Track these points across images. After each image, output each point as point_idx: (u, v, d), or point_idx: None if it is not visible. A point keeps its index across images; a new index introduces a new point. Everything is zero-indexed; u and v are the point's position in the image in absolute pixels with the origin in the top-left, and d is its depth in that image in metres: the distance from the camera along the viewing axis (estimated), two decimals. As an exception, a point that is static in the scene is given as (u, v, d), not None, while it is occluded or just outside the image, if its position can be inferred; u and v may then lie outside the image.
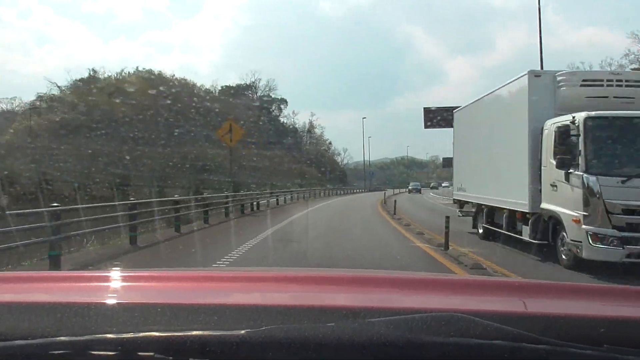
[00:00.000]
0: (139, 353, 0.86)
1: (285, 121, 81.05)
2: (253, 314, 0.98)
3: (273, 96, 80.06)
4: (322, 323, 0.89)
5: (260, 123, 64.63)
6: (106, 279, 1.45)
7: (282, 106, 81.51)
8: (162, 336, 0.87)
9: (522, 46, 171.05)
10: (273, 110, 79.71)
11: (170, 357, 0.85)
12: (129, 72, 56.81)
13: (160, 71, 60.74)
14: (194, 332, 0.87)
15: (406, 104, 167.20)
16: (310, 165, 72.42)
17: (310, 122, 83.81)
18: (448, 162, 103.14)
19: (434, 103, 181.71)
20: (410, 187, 62.90)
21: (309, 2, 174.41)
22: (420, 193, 57.14)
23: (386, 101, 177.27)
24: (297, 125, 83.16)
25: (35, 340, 0.88)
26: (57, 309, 1.00)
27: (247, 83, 78.64)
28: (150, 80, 52.22)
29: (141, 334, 0.88)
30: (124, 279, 1.43)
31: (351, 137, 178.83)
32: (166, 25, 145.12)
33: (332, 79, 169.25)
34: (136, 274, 1.56)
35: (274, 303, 1.14)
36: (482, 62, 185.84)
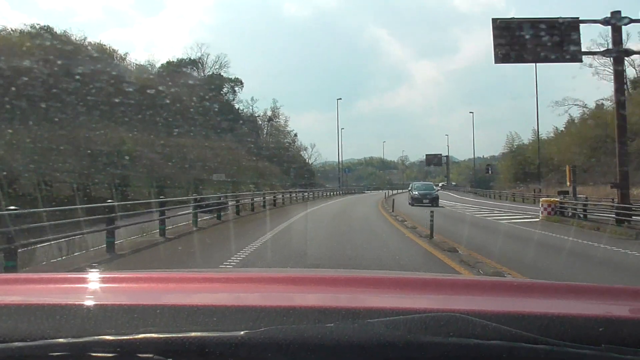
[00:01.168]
0: (138, 354, 0.86)
1: (241, 108, 66.63)
2: (252, 315, 0.98)
3: (225, 75, 65.52)
4: (322, 324, 0.90)
5: (207, 104, 49.98)
6: (105, 280, 1.46)
7: (236, 88, 67.17)
8: (161, 337, 0.88)
9: (486, 50, 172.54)
10: (226, 94, 65.02)
11: (170, 359, 0.85)
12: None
13: (65, 31, 44.10)
14: (193, 334, 0.88)
15: (372, 106, 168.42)
16: (271, 161, 58.32)
17: (273, 109, 69.86)
18: (434, 159, 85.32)
19: (399, 105, 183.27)
20: (415, 193, 30.63)
21: (275, 3, 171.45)
22: (436, 204, 28.56)
23: (352, 103, 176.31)
24: (257, 114, 69.04)
25: (34, 342, 0.88)
26: (56, 310, 0.99)
27: (192, 58, 64.02)
28: (41, 38, 36.51)
29: (140, 336, 0.88)
30: (123, 280, 1.44)
31: (318, 139, 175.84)
32: (129, 22, 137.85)
33: (297, 80, 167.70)
34: (135, 275, 1.55)
35: (273, 304, 1.12)
36: (446, 65, 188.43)
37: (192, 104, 48.25)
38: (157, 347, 0.86)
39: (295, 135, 73.79)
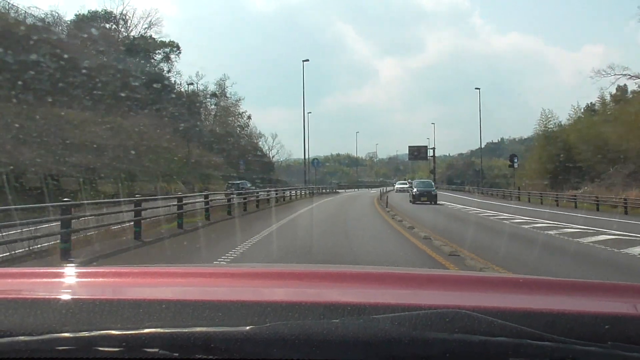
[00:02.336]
0: (144, 349, 0.87)
1: (177, 82, 51.18)
2: (257, 311, 0.98)
3: (156, 38, 49.93)
4: (327, 319, 0.90)
5: (118, 68, 34.63)
6: (111, 274, 1.45)
7: (172, 56, 51.76)
8: (166, 332, 0.88)
9: (450, 49, 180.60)
10: (156, 62, 49.44)
11: (175, 354, 0.86)
12: None
13: None
14: (199, 329, 0.88)
15: (337, 103, 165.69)
16: (217, 151, 43.19)
17: (220, 85, 54.82)
18: (419, 153, 69.18)
19: (364, 103, 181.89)
20: (415, 191, 30.04)
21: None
22: (434, 202, 29.36)
23: (318, 99, 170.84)
24: (203, 91, 53.84)
25: (40, 336, 0.89)
26: (61, 304, 1.00)
27: (109, 11, 48.25)
28: None
29: (146, 330, 0.88)
30: (128, 275, 1.44)
31: (284, 136, 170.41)
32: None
33: (261, 76, 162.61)
34: (140, 270, 1.57)
35: (279, 299, 1.13)
36: (411, 63, 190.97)
37: (98, 68, 32.93)
38: (163, 342, 0.87)
39: (249, 117, 59.73)
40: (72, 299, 1.06)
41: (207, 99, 54.30)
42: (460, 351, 0.84)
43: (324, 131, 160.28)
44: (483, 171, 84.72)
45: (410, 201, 29.47)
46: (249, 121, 59.72)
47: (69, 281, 1.35)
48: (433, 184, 35.01)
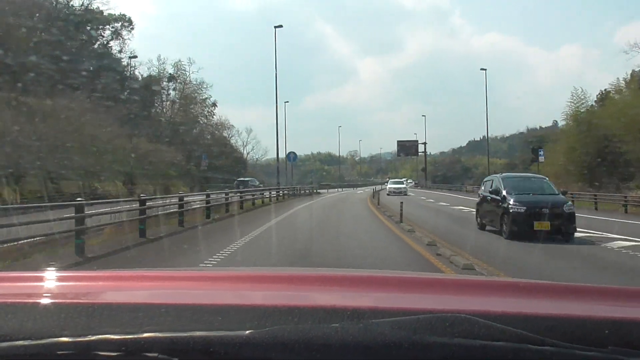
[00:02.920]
0: (143, 353, 0.86)
1: (132, 65, 43.22)
2: (257, 315, 0.98)
3: (104, 12, 41.91)
4: (326, 323, 0.89)
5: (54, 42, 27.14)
6: (110, 278, 1.45)
7: (123, 32, 43.84)
8: (165, 337, 0.88)
9: (430, 48, 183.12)
10: (106, 43, 41.66)
11: (175, 358, 0.85)
12: None
13: None
14: (198, 333, 0.88)
15: (318, 102, 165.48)
16: (178, 145, 35.87)
17: (178, 67, 46.88)
18: (409, 149, 62.14)
19: (345, 102, 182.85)
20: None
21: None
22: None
23: (298, 99, 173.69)
24: (159, 75, 45.75)
25: (39, 340, 0.88)
26: (61, 309, 0.99)
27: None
28: None
29: (145, 335, 0.88)
30: (128, 278, 1.45)
31: (265, 136, 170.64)
32: None
33: (241, 74, 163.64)
34: (139, 273, 1.57)
35: (278, 303, 1.12)
36: (392, 62, 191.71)
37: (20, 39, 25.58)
38: (163, 346, 0.86)
39: (214, 105, 50.95)
40: (71, 302, 1.05)
41: (166, 84, 46.31)
42: (461, 356, 0.83)
43: (305, 131, 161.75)
44: (470, 169, 78.51)
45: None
46: (214, 109, 51.70)
47: (68, 285, 1.35)
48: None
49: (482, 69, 49.62)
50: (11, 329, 0.93)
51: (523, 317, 1.00)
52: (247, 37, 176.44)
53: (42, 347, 0.87)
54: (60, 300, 1.08)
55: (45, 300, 1.09)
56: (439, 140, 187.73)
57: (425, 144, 59.19)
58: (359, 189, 62.02)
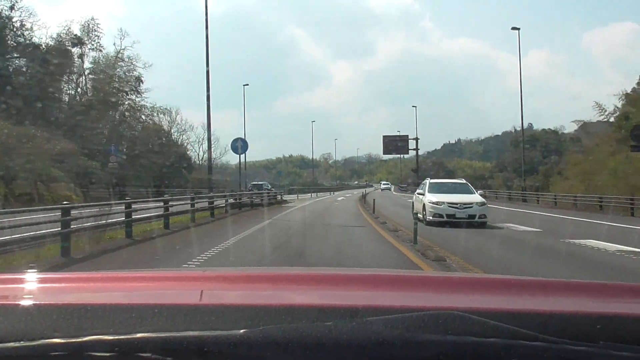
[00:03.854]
0: (137, 354, 0.86)
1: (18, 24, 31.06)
2: (251, 314, 0.98)
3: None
4: (320, 322, 0.89)
5: None
6: (103, 279, 1.45)
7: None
8: (159, 337, 0.88)
9: (401, 53, 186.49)
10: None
11: (169, 358, 0.85)
12: None
13: None
14: (192, 333, 0.88)
15: (290, 105, 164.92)
16: (72, 131, 24.06)
17: (89, 27, 34.65)
18: (398, 146, 49.27)
19: (317, 106, 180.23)
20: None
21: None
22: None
23: (269, 102, 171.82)
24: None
25: (31, 342, 0.88)
26: (52, 310, 0.99)
27: None
28: None
29: (138, 335, 0.88)
30: (121, 279, 1.44)
31: (229, 138, 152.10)
32: None
33: (212, 79, 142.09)
34: (132, 274, 1.57)
35: (272, 303, 1.12)
36: (363, 66, 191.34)
37: None
38: (156, 347, 0.86)
39: (139, 80, 37.24)
40: (63, 304, 1.04)
41: (73, 50, 33.96)
42: (454, 353, 0.84)
43: (277, 134, 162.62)
44: (454, 172, 69.61)
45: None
46: (139, 85, 38.17)
47: (59, 286, 1.34)
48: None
49: (513, 28, 39.94)
50: (2, 331, 0.92)
51: (515, 313, 1.00)
52: (219, 39, 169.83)
53: (34, 349, 0.87)
54: (52, 302, 1.07)
55: (36, 301, 1.08)
56: (412, 143, 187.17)
57: (417, 139, 48.46)
58: (336, 192, 50.75)
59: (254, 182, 37.21)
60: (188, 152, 46.05)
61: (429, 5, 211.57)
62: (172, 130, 44.55)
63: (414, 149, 48.15)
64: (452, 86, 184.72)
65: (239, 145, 24.68)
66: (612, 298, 1.24)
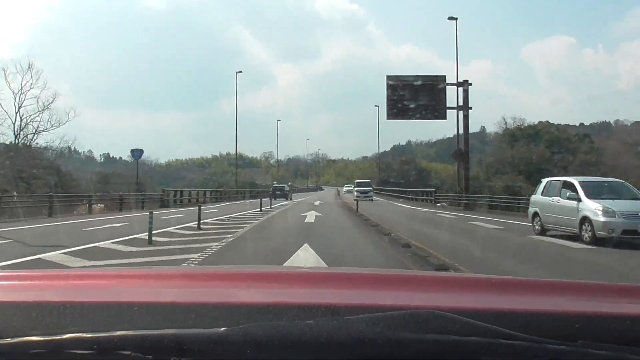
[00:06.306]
0: (116, 352, 0.86)
1: None
2: (231, 312, 0.97)
3: None
4: (301, 320, 0.89)
5: None
6: (82, 277, 1.44)
7: None
8: (138, 335, 0.87)
9: (345, 56, 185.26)
10: None
11: (148, 356, 0.85)
12: None
13: None
14: (171, 331, 0.88)
15: (234, 105, 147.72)
16: None
17: None
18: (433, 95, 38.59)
19: (262, 108, 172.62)
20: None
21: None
22: None
23: (212, 103, 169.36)
24: None
25: (8, 339, 0.87)
26: (31, 307, 0.98)
27: None
28: None
29: (118, 333, 0.87)
30: (100, 277, 1.44)
31: (178, 142, 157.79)
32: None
33: (150, 76, 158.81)
34: (111, 272, 1.59)
35: (252, 301, 1.12)
36: (308, 69, 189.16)
37: None
38: (135, 344, 0.86)
39: None
40: (41, 301, 1.03)
41: None
42: (434, 351, 0.84)
43: (219, 135, 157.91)
44: (430, 174, 62.18)
45: None
46: None
47: (38, 283, 1.32)
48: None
49: (449, 18, 35.62)
50: None
51: (496, 312, 1.01)
52: (159, 36, 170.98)
53: (12, 347, 0.86)
54: (31, 299, 1.06)
55: (15, 299, 1.06)
56: (360, 145, 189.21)
57: (466, 85, 31.11)
58: (283, 199, 40.78)
59: (275, 185, 38.68)
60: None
61: (374, 12, 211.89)
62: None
63: (453, 108, 30.60)
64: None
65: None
66: (592, 297, 1.24)
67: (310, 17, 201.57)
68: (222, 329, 0.85)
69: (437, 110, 31.66)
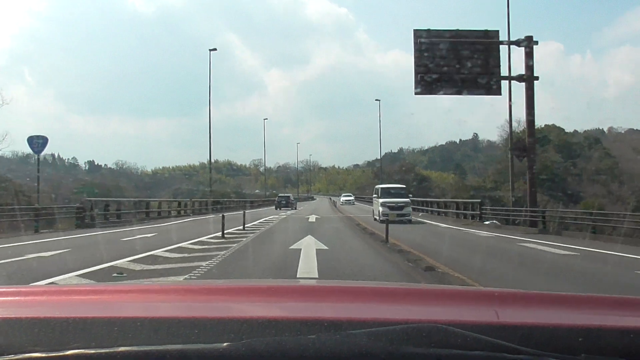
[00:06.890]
0: None
1: None
2: (233, 327, 0.97)
3: None
4: (303, 335, 0.90)
5: None
6: (84, 292, 1.43)
7: None
8: (142, 350, 0.87)
9: (335, 62, 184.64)
10: None
11: None
12: None
13: None
14: (174, 346, 0.87)
15: (222, 112, 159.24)
16: None
17: None
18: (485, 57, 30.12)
19: (251, 113, 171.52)
20: None
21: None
22: None
23: (201, 109, 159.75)
24: None
25: (11, 356, 0.87)
26: (34, 323, 0.98)
27: None
28: None
29: (121, 349, 0.87)
30: (103, 292, 1.43)
31: (165, 148, 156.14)
32: None
33: (141, 84, 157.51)
34: (114, 287, 1.59)
35: (255, 315, 1.12)
36: (298, 75, 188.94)
37: None
38: None
39: None
40: (44, 317, 1.02)
41: None
42: None
43: (206, 142, 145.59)
44: (430, 183, 53.40)
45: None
46: None
47: (40, 299, 1.32)
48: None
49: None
50: None
51: (498, 326, 1.01)
52: (146, 42, 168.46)
53: None
54: (33, 315, 1.04)
55: (17, 315, 1.06)
56: (350, 153, 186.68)
57: (532, 41, 21.77)
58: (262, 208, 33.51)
59: (281, 194, 42.49)
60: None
61: (363, 18, 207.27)
62: None
63: (512, 78, 21.36)
64: (389, 97, 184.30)
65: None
66: (594, 310, 1.23)
67: (299, 23, 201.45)
68: (225, 344, 0.85)
69: (487, 81, 21.61)
